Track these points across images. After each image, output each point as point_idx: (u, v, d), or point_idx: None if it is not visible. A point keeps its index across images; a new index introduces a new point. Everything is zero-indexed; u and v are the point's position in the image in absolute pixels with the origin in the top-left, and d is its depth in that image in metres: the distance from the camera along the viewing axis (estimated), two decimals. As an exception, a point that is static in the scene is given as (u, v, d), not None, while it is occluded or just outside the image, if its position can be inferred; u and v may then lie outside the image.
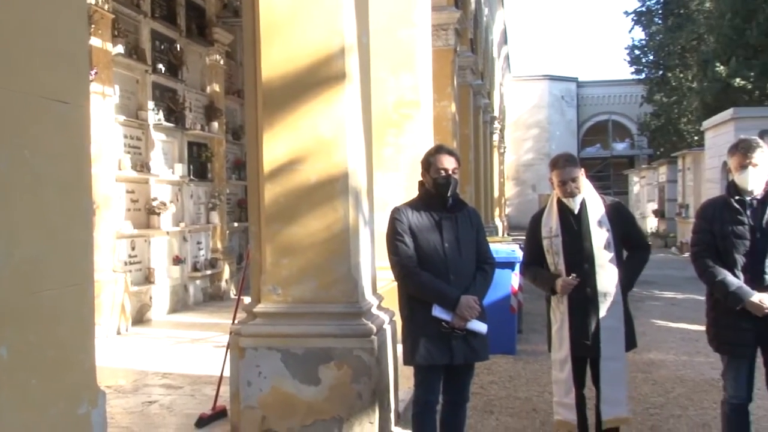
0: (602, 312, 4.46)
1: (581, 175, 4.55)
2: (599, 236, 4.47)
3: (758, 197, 4.25)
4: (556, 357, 4.60)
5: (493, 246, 8.22)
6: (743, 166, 4.24)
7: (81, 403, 2.33)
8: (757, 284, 4.17)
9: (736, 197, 4.28)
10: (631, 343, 4.63)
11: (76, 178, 2.31)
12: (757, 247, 4.21)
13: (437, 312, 4.15)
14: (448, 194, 4.28)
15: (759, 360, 4.34)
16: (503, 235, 24.54)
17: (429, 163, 4.32)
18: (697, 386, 6.75)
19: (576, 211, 4.53)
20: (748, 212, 4.23)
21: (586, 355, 4.52)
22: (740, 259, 4.23)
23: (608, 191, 42.39)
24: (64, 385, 2.27)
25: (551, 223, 4.58)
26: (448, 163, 4.29)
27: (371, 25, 5.60)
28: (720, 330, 4.36)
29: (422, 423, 4.33)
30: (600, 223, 4.50)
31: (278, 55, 4.89)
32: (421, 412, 4.33)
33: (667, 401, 6.32)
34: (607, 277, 4.47)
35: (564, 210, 4.57)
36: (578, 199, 4.53)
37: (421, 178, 4.44)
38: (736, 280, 4.20)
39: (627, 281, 4.54)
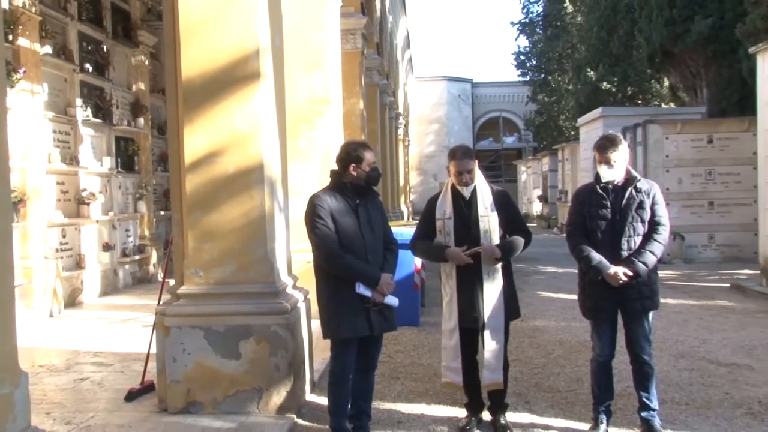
0: (486, 288, 4.53)
1: (475, 166, 4.60)
2: (486, 220, 4.54)
3: (619, 184, 4.49)
4: (446, 327, 4.66)
5: (400, 229, 8.34)
6: (601, 163, 4.51)
7: (2, 384, 2.20)
8: (616, 259, 4.39)
9: (601, 185, 4.50)
10: (515, 313, 4.73)
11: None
12: (616, 227, 4.44)
13: (361, 289, 4.18)
14: (377, 185, 4.40)
15: (621, 322, 4.55)
16: (408, 219, 24.73)
17: (360, 158, 4.31)
18: (573, 347, 6.96)
19: (467, 198, 4.58)
20: (610, 197, 4.45)
21: (472, 326, 4.58)
22: (602, 238, 4.46)
23: (500, 180, 43.32)
24: (-14, 367, 2.13)
25: (445, 206, 4.63)
26: (373, 157, 4.39)
27: (285, 29, 5.50)
28: (586, 299, 4.57)
29: (338, 391, 4.35)
30: (487, 209, 4.57)
31: (197, 56, 4.76)
32: (339, 381, 4.33)
33: (548, 361, 6.49)
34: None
35: (456, 195, 4.61)
36: (470, 187, 4.58)
37: (334, 168, 4.41)
38: (597, 256, 4.41)
39: (504, 247, 4.57)
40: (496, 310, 4.57)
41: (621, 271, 4.33)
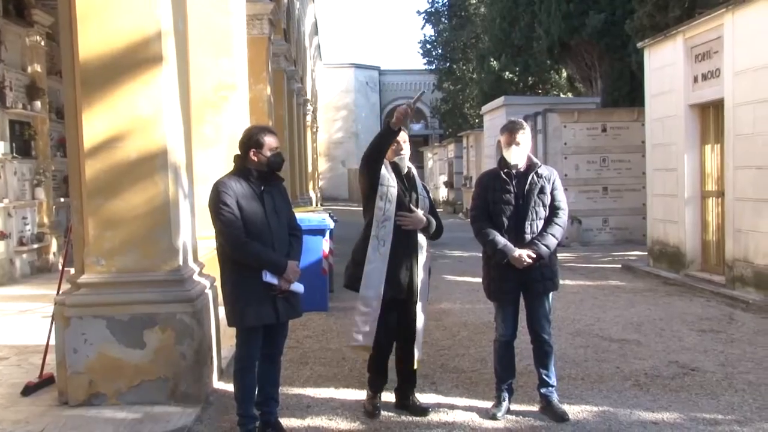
0: (420, 262, 4.57)
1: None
2: (422, 199, 4.64)
3: (521, 169, 4.60)
4: (365, 293, 4.53)
5: (307, 215, 8.29)
6: (509, 144, 4.59)
7: None
8: (520, 242, 4.51)
9: (505, 170, 4.59)
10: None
11: None
12: (520, 212, 4.55)
13: (268, 278, 4.10)
14: (280, 171, 4.30)
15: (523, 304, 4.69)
16: (317, 205, 24.62)
17: (260, 142, 4.20)
18: (477, 329, 7.13)
19: (404, 172, 4.63)
20: (514, 182, 4.55)
21: (399, 297, 4.54)
22: (506, 222, 4.57)
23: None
24: None
25: (389, 175, 4.56)
26: (276, 142, 4.28)
27: (189, 13, 5.33)
28: (491, 282, 4.68)
29: (244, 377, 4.27)
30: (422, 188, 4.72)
31: (95, 38, 4.55)
32: (245, 368, 4.26)
33: (453, 343, 6.62)
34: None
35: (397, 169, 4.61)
36: (407, 162, 4.66)
37: (238, 153, 4.30)
38: (502, 239, 4.51)
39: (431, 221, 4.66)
40: (424, 284, 4.62)
41: (525, 254, 4.45)
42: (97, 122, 4.60)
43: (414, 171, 4.74)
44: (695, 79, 9.93)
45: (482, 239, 4.60)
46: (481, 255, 4.80)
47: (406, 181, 4.62)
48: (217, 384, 5.21)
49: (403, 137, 4.56)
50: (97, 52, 4.56)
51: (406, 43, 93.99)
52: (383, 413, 4.68)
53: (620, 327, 7.13)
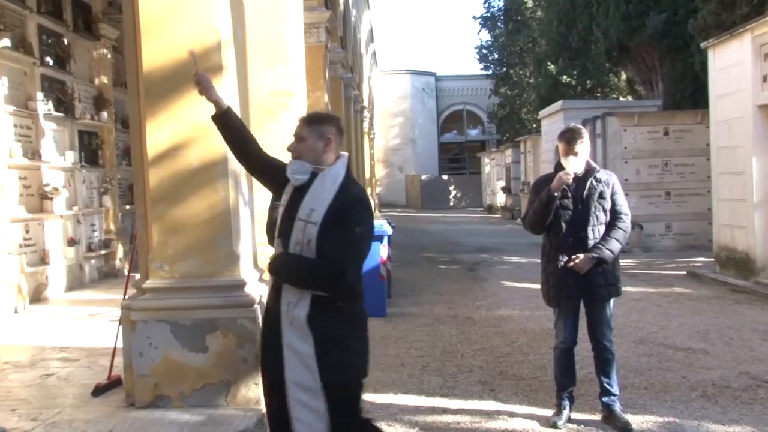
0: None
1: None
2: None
3: (579, 175, 4.51)
4: None
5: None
6: (566, 154, 4.50)
7: (-39, 384, 2.13)
8: (582, 248, 4.42)
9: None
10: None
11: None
12: (580, 217, 4.45)
13: None
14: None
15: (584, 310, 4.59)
16: (374, 211, 24.72)
17: None
18: (537, 336, 7.01)
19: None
20: (572, 187, 4.46)
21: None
22: (565, 227, 4.48)
23: (464, 171, 43.56)
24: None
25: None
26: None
27: (248, 22, 5.42)
28: (550, 288, 4.58)
29: None
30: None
31: (157, 49, 4.65)
32: None
33: (513, 350, 6.53)
34: None
35: None
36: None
37: None
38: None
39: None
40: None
41: (563, 173, 4.39)
42: (160, 131, 4.71)
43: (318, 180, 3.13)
44: (764, 79, 9.57)
45: (529, 215, 4.61)
46: (539, 260, 4.72)
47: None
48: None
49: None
50: (159, 63, 4.67)
51: (462, 49, 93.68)
52: (433, 421, 4.64)
53: (685, 335, 6.91)
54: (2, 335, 7.47)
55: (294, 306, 2.98)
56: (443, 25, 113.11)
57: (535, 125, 28.54)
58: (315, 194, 3.04)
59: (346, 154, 3.24)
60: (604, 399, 4.54)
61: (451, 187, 40.06)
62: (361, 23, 27.54)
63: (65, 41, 10.88)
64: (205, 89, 3.40)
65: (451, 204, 38.82)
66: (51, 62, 10.40)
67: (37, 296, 9.51)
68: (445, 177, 41.75)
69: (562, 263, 4.42)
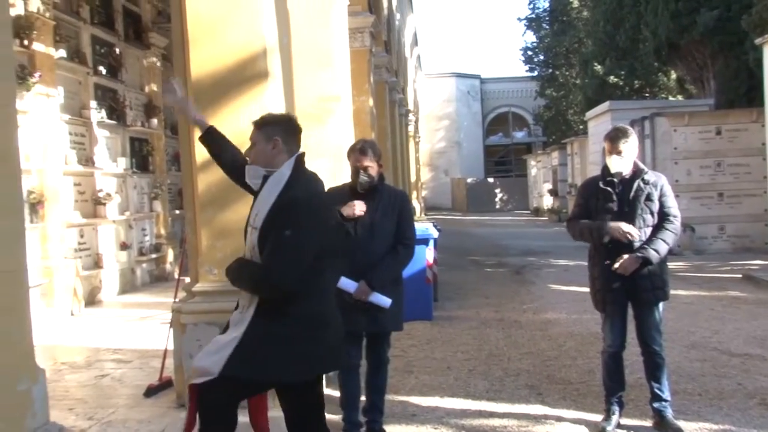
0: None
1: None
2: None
3: (626, 176, 4.42)
4: None
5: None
6: (610, 153, 4.43)
7: (21, 381, 2.21)
8: (627, 250, 4.33)
9: (607, 178, 4.45)
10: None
11: (5, 173, 2.17)
12: (625, 220, 4.37)
13: (342, 283, 4.15)
14: (359, 189, 4.30)
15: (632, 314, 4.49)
16: (420, 215, 24.71)
17: (348, 156, 4.32)
18: (585, 339, 6.91)
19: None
20: (618, 189, 4.39)
21: None
22: None
23: (510, 174, 43.21)
24: (2, 365, 2.14)
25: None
26: (354, 161, 4.29)
27: (293, 28, 5.49)
28: (596, 291, 4.51)
29: (344, 383, 4.36)
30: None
31: (205, 57, 4.75)
32: (344, 375, 4.34)
33: (560, 353, 6.45)
34: None
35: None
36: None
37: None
38: (595, 222, 4.40)
39: None
40: None
41: (626, 228, 4.27)
42: (208, 137, 4.79)
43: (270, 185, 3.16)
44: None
45: (577, 230, 4.51)
46: (587, 263, 4.66)
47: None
48: (326, 390, 5.28)
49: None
50: (207, 70, 4.76)
51: (507, 51, 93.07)
52: (480, 425, 4.61)
53: (741, 341, 6.71)
54: (60, 337, 7.70)
55: (246, 309, 3.03)
56: (488, 27, 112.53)
57: (581, 127, 28.16)
58: (262, 198, 3.09)
59: (298, 153, 3.13)
60: (655, 405, 4.44)
61: (497, 190, 39.77)
62: (405, 27, 27.58)
63: (117, 51, 11.19)
64: (186, 112, 3.54)
65: (497, 207, 38.55)
66: (104, 71, 10.72)
67: (91, 299, 9.77)
68: (491, 180, 41.49)
69: (609, 265, 4.35)
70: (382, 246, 4.26)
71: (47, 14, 8.89)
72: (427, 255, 8.12)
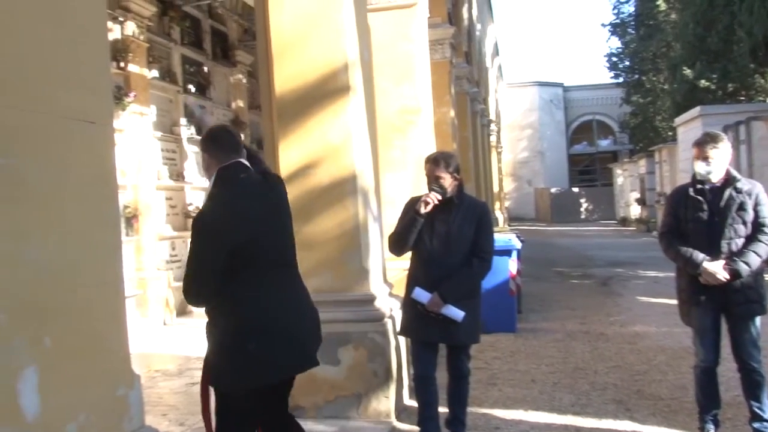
0: None
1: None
2: None
3: (717, 185, 4.25)
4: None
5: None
6: (697, 158, 4.28)
7: (118, 386, 2.32)
8: (716, 260, 4.14)
9: (697, 186, 4.30)
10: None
11: (103, 188, 2.30)
12: (715, 229, 4.20)
13: (416, 294, 4.19)
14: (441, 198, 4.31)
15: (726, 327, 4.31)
16: (503, 226, 24.43)
17: (424, 166, 4.38)
18: (676, 354, 6.66)
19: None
20: (708, 198, 4.22)
21: None
22: (700, 240, 4.22)
23: (595, 183, 42.23)
24: (102, 370, 2.26)
25: None
26: (429, 170, 4.32)
27: (373, 42, 5.57)
28: (683, 303, 4.35)
29: (419, 394, 4.37)
30: None
31: (289, 73, 4.88)
32: (418, 386, 4.36)
33: (650, 368, 6.23)
34: None
35: None
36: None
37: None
38: (691, 250, 4.20)
39: None
40: None
41: (719, 268, 4.10)
42: (292, 151, 4.91)
43: None
44: None
45: (672, 253, 4.31)
46: (674, 275, 4.50)
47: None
48: (408, 401, 5.30)
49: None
50: (291, 85, 4.89)
51: (591, 58, 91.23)
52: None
53: None
54: (153, 345, 8.01)
55: None
56: (570, 35, 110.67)
57: (670, 133, 27.25)
58: None
59: (223, 164, 3.06)
60: (755, 425, 4.22)
61: (582, 200, 38.97)
62: (485, 37, 27.45)
63: (205, 69, 11.63)
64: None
65: (583, 217, 37.74)
66: (193, 89, 11.14)
67: (182, 309, 10.10)
68: (575, 189, 40.68)
69: (696, 277, 4.19)
70: (458, 258, 4.22)
71: (141, 37, 9.32)
72: (510, 266, 8.02)
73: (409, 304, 4.30)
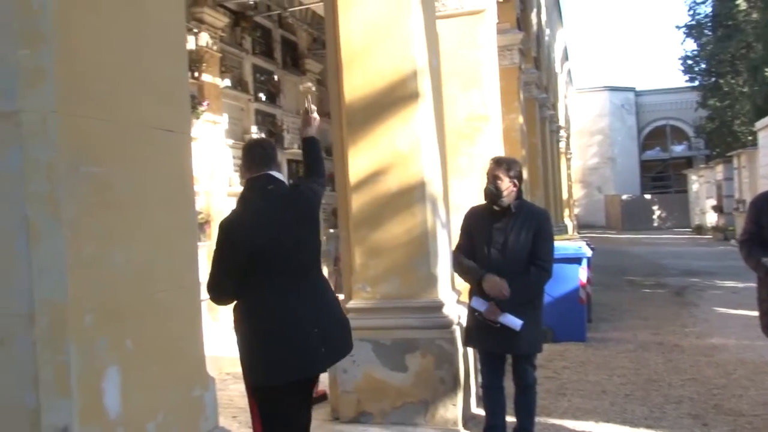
0: None
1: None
2: None
3: None
4: None
5: (563, 243, 8.07)
6: None
7: (194, 387, 2.39)
8: None
9: None
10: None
11: (182, 195, 2.38)
12: None
13: (474, 303, 4.20)
14: (485, 198, 4.33)
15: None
16: (573, 233, 23.97)
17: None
18: (758, 368, 6.40)
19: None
20: None
21: None
22: None
23: (669, 190, 41.02)
24: (179, 372, 2.33)
25: None
26: (492, 170, 4.30)
27: (441, 49, 5.58)
28: (764, 314, 4.18)
29: (486, 403, 4.39)
30: None
31: (358, 81, 4.93)
32: (485, 395, 4.40)
33: (728, 382, 6.01)
34: None
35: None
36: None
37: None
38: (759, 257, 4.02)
39: None
40: None
41: None
42: (361, 158, 4.96)
43: None
44: None
45: (752, 262, 4.13)
46: (756, 285, 4.33)
47: None
48: (476, 410, 5.26)
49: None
50: (360, 93, 4.94)
51: (664, 61, 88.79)
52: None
53: None
54: (224, 349, 8.17)
55: None
56: (642, 37, 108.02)
57: (750, 138, 26.24)
58: None
59: (247, 177, 3.42)
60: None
61: (655, 207, 37.90)
62: (555, 42, 27.06)
63: (275, 78, 11.84)
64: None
65: (655, 224, 36.70)
66: (263, 98, 11.37)
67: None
68: (647, 196, 39.60)
69: None
70: (515, 266, 4.18)
71: (215, 47, 9.58)
72: (580, 274, 7.87)
73: (470, 313, 4.31)
